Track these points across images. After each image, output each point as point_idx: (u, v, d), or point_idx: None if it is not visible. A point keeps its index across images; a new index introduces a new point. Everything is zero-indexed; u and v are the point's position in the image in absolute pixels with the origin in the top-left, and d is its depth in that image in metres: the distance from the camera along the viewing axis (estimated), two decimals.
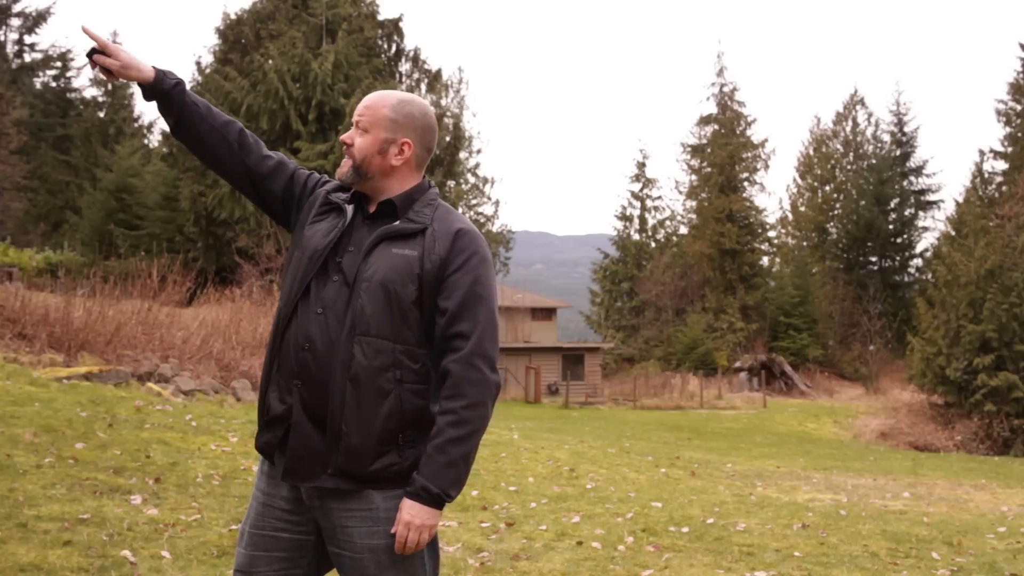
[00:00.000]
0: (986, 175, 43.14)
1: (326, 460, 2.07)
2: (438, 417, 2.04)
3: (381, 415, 2.05)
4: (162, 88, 2.17)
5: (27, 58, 40.45)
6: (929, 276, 39.44)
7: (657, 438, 16.56)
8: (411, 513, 2.03)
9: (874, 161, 49.51)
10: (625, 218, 50.53)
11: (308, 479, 2.10)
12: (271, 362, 2.17)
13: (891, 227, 47.58)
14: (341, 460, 2.05)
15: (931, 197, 49.75)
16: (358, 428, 2.04)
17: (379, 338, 2.05)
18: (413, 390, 2.07)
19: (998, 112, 43.46)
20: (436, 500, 2.03)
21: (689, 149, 48.42)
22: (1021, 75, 42.91)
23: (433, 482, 2.02)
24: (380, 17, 32.50)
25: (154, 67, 2.17)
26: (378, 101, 2.19)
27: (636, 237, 50.05)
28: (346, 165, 2.19)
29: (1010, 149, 42.31)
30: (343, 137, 2.21)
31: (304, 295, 2.13)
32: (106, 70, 2.13)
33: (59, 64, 41.26)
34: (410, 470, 2.06)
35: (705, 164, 47.26)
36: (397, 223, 2.15)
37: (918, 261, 48.47)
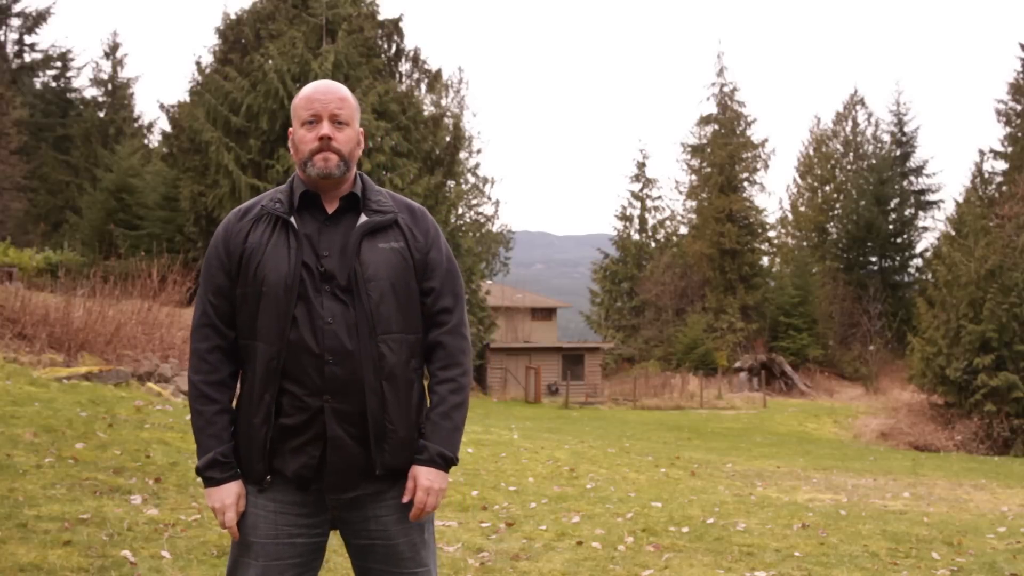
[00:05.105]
0: (986, 175, 43.13)
1: (369, 466, 2.12)
2: (438, 387, 2.19)
3: (414, 404, 2.18)
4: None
5: (27, 58, 40.40)
6: (929, 276, 39.37)
7: (657, 438, 16.56)
8: (430, 479, 2.14)
9: (874, 161, 49.46)
10: (625, 218, 50.50)
11: (350, 489, 2.14)
12: (269, 407, 2.10)
13: (891, 227, 47.51)
14: (388, 458, 2.12)
15: (931, 197, 49.76)
16: (403, 422, 2.15)
17: (399, 332, 2.15)
18: (420, 374, 2.22)
19: (998, 112, 43.48)
20: (449, 463, 2.17)
21: (689, 149, 48.41)
22: (1021, 75, 42.89)
23: (446, 447, 2.16)
24: (380, 17, 32.42)
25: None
26: (346, 93, 2.24)
27: (636, 237, 49.99)
28: (333, 159, 2.16)
29: (1010, 149, 42.28)
30: (326, 132, 2.16)
31: (296, 321, 2.08)
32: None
33: (59, 64, 41.18)
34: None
35: (705, 164, 47.22)
36: (368, 217, 2.20)
37: (918, 261, 48.42)
